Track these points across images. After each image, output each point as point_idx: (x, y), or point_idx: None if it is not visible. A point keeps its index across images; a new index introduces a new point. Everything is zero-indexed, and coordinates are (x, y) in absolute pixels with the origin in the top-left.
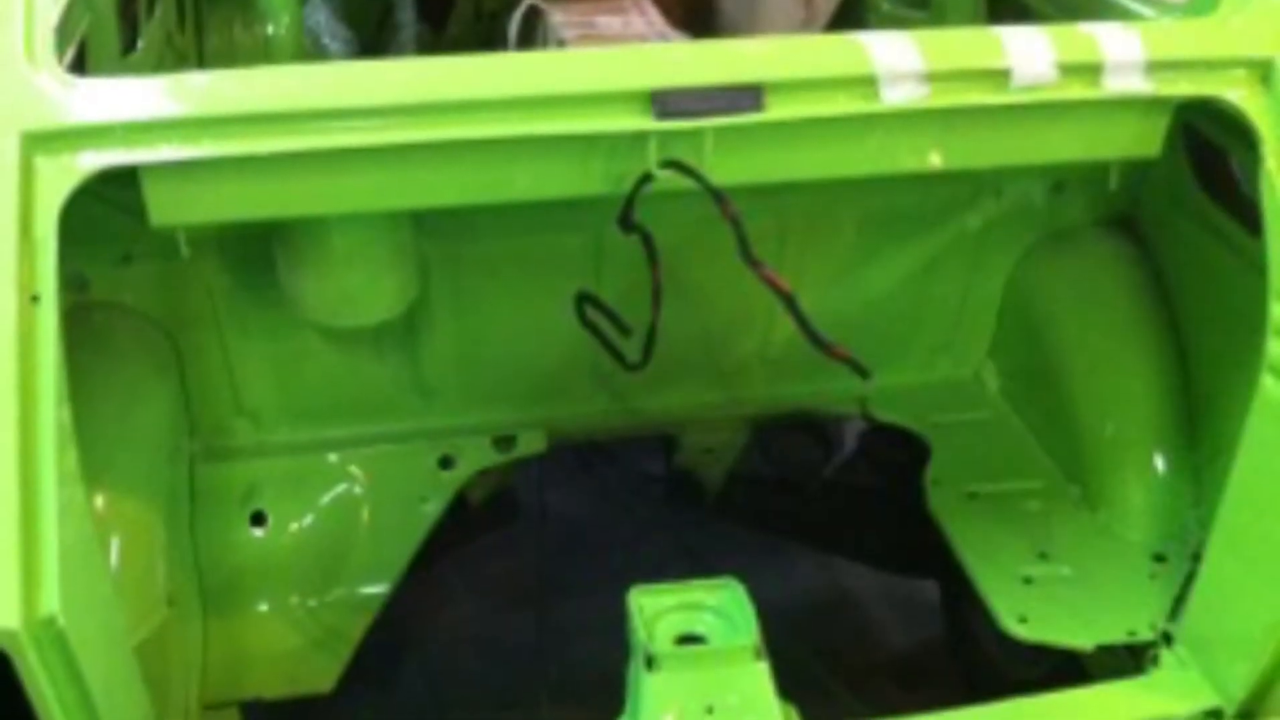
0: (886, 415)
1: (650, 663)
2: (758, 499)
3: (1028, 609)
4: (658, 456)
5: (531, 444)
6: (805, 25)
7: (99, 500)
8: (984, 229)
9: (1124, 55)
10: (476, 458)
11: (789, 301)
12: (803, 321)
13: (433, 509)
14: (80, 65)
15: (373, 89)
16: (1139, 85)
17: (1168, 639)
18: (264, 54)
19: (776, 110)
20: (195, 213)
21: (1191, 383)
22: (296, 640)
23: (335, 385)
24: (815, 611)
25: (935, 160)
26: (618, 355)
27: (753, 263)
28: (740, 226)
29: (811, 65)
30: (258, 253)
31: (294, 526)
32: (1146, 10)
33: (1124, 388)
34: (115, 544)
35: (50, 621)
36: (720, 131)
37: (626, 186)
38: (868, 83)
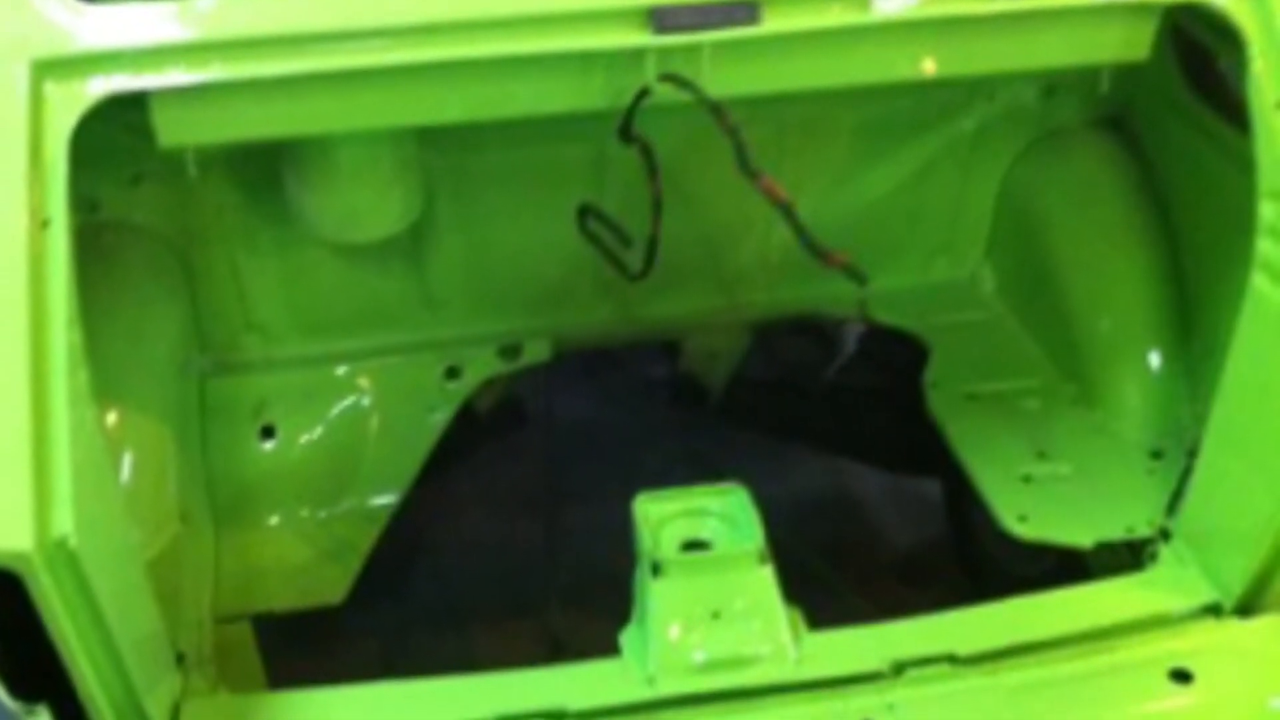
0: (886, 317)
1: (656, 570)
2: (761, 401)
3: (1028, 508)
4: (662, 361)
5: (537, 353)
6: None
7: (111, 418)
8: (978, 132)
9: None
10: (482, 367)
11: (787, 211)
12: (800, 230)
13: (440, 418)
14: None
15: (376, 10)
16: None
17: (1166, 535)
18: None
19: (772, 23)
20: (203, 133)
21: (1184, 280)
22: (307, 552)
23: (343, 299)
24: (820, 512)
25: (928, 68)
26: (619, 266)
27: (751, 174)
28: (738, 138)
29: None
30: (265, 170)
31: (304, 439)
32: None
33: (1118, 285)
34: (127, 461)
35: (63, 543)
36: (717, 45)
37: (626, 100)
38: None
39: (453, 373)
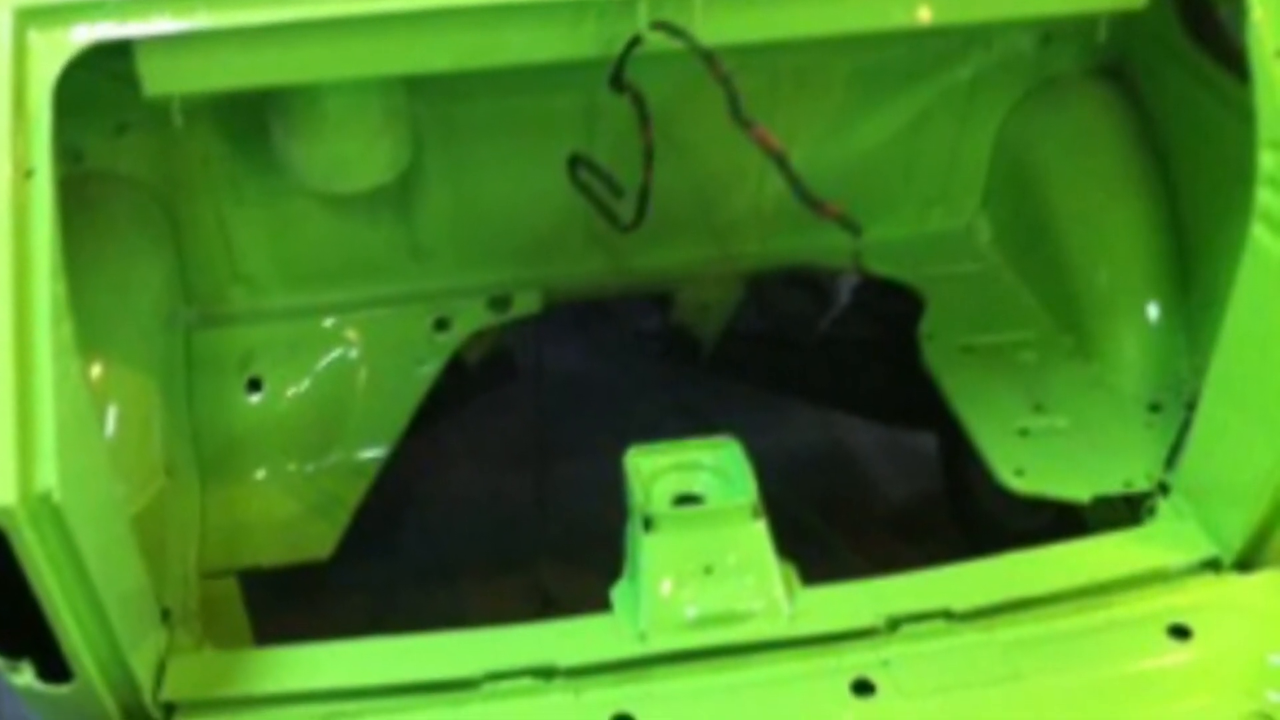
0: (880, 268)
1: (648, 524)
2: (754, 354)
3: (1024, 461)
4: (654, 313)
5: (527, 304)
6: None
7: (95, 371)
8: (974, 81)
9: None
10: (472, 319)
11: (780, 161)
12: (794, 180)
13: (429, 371)
14: None
15: None
16: None
17: (1164, 489)
18: None
19: None
20: (189, 82)
21: (1182, 231)
22: (294, 507)
23: (330, 250)
24: (814, 466)
25: (924, 15)
26: (610, 216)
27: (744, 123)
28: (731, 87)
29: None
30: (252, 120)
31: (291, 392)
32: None
33: (1116, 236)
34: (112, 414)
35: (46, 497)
36: None
37: (617, 48)
38: None
39: (442, 324)
